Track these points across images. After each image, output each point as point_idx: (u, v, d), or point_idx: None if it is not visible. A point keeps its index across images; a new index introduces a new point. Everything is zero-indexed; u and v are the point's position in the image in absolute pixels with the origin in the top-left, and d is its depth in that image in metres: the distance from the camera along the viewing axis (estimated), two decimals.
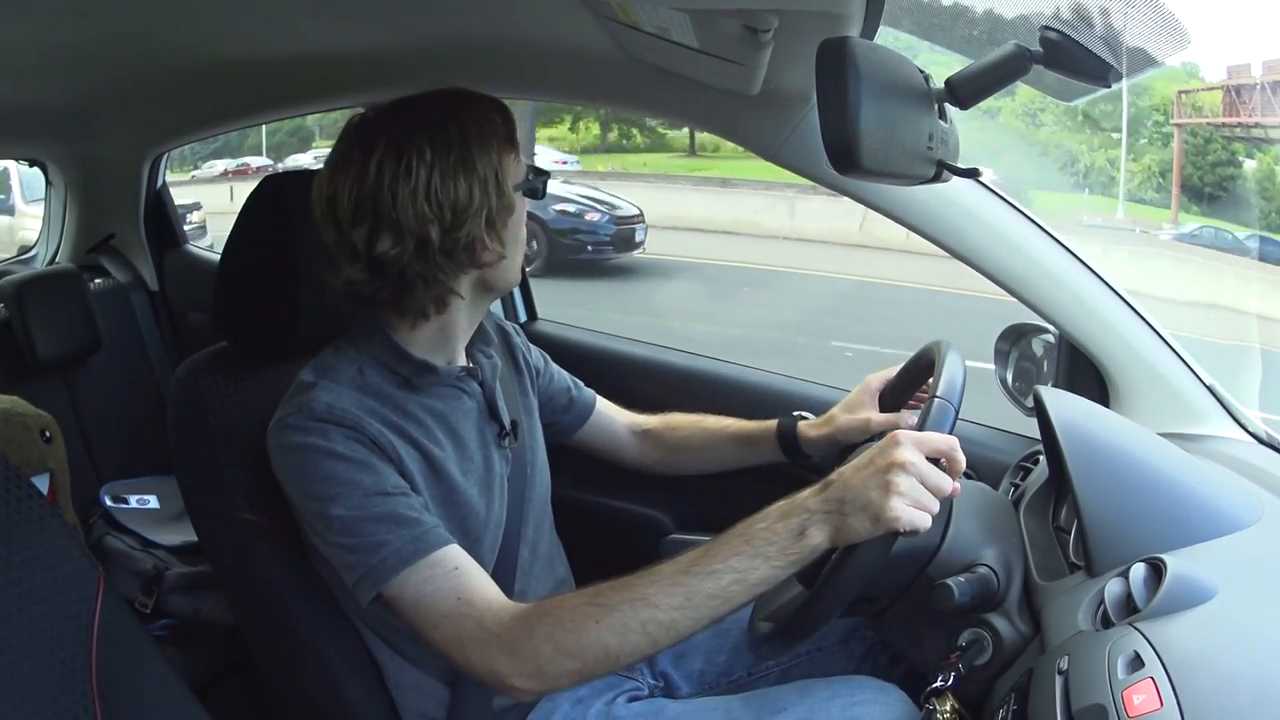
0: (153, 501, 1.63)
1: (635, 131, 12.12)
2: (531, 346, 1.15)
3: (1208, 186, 9.27)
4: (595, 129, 12.10)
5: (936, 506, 0.73)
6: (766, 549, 0.74)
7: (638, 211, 7.31)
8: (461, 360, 0.97)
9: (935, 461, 0.75)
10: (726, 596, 0.74)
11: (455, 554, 0.83)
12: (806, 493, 0.76)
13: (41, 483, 1.41)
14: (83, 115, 1.68)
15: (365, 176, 0.86)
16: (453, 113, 0.88)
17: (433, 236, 0.85)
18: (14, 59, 1.21)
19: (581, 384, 1.20)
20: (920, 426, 0.80)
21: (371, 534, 0.81)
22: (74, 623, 0.72)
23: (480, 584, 0.82)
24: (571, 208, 7.06)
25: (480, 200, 0.87)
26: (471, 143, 0.87)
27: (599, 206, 7.17)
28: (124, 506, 1.61)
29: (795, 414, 1.13)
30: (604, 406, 1.21)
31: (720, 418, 1.19)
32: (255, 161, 9.66)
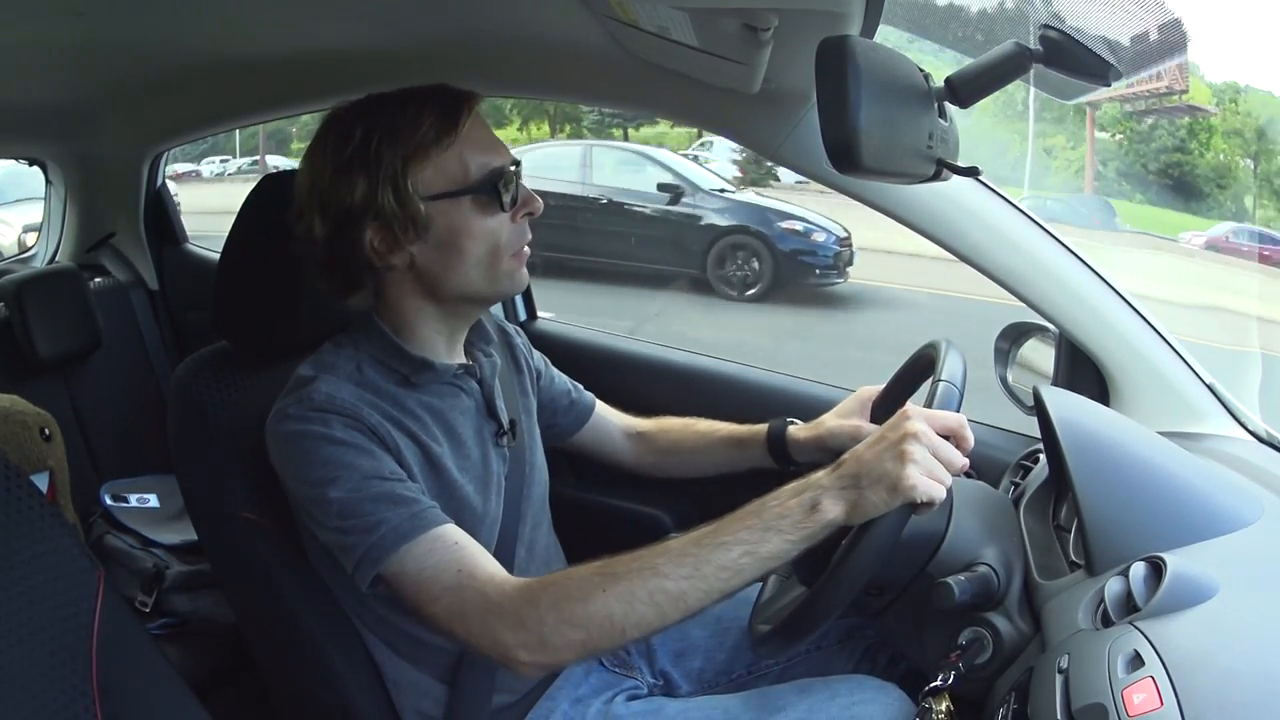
0: (153, 500, 1.63)
1: (585, 131, 12.13)
2: (533, 350, 1.15)
3: (1152, 174, 9.19)
4: (545, 129, 12.05)
5: (949, 479, 0.74)
6: (779, 523, 0.74)
7: (847, 232, 6.26)
8: (460, 358, 0.97)
9: (945, 439, 0.75)
10: (737, 569, 0.74)
11: (455, 530, 0.83)
12: (820, 473, 0.76)
13: (41, 481, 1.42)
14: (83, 114, 1.68)
15: (301, 164, 0.90)
16: (374, 112, 0.87)
17: (317, 230, 0.88)
18: (14, 59, 1.21)
19: (581, 387, 1.20)
20: (927, 405, 0.81)
21: (370, 513, 0.81)
22: (74, 622, 0.72)
23: (482, 558, 0.82)
24: (799, 226, 6.10)
25: (368, 200, 0.85)
26: (373, 143, 0.85)
27: (824, 225, 6.15)
28: (124, 505, 1.61)
29: (786, 420, 1.13)
30: (602, 410, 1.21)
31: (712, 421, 1.19)
32: (180, 168, 9.56)
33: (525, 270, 0.93)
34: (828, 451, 1.07)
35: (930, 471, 0.73)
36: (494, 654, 0.79)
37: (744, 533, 0.74)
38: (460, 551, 0.81)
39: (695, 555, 0.74)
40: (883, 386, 1.07)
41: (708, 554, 0.74)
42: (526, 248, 0.93)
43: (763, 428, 1.13)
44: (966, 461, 0.76)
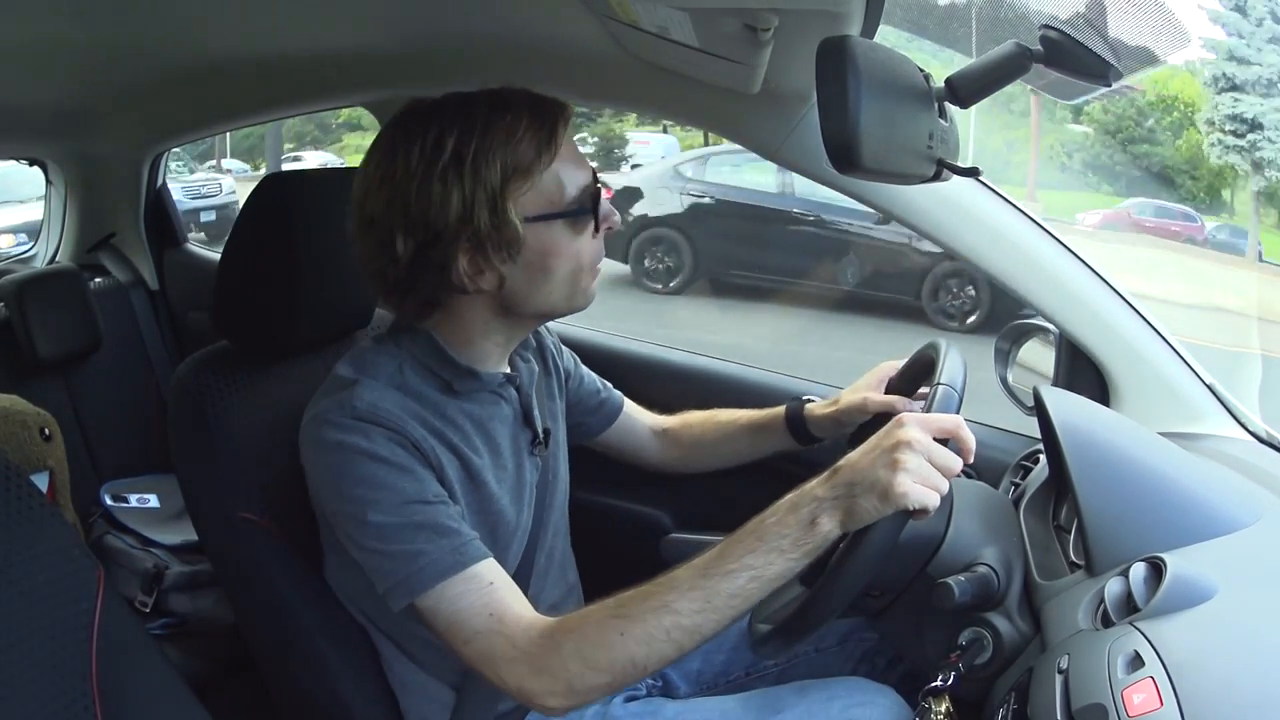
0: (153, 500, 1.63)
1: None
2: (563, 348, 1.13)
3: (1119, 165, 9.07)
4: None
5: (945, 485, 0.72)
6: (780, 543, 0.73)
7: None
8: (504, 367, 0.94)
9: (944, 443, 0.74)
10: (746, 594, 0.74)
11: (491, 568, 0.81)
12: (814, 482, 0.75)
13: (41, 481, 1.42)
14: (83, 114, 1.68)
15: (367, 168, 0.84)
16: (463, 117, 0.81)
17: (400, 248, 0.81)
18: (14, 59, 1.21)
19: (610, 386, 1.19)
20: (927, 410, 0.80)
21: (410, 542, 0.79)
22: (74, 621, 0.72)
23: (512, 600, 0.80)
24: None
25: (462, 220, 0.80)
26: (468, 156, 0.79)
27: None
28: (124, 505, 1.61)
29: (803, 397, 1.14)
30: (630, 408, 1.20)
31: (732, 410, 1.20)
32: None
33: (595, 285, 0.91)
34: (843, 426, 1.08)
35: (924, 479, 0.71)
36: (521, 699, 0.78)
37: (748, 558, 0.74)
38: (493, 594, 0.80)
39: (705, 587, 0.74)
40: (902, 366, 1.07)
41: (716, 584, 0.74)
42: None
43: (780, 411, 1.14)
44: (960, 464, 0.74)
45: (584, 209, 0.85)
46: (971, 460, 0.76)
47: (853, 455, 0.76)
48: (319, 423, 0.83)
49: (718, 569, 0.74)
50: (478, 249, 0.82)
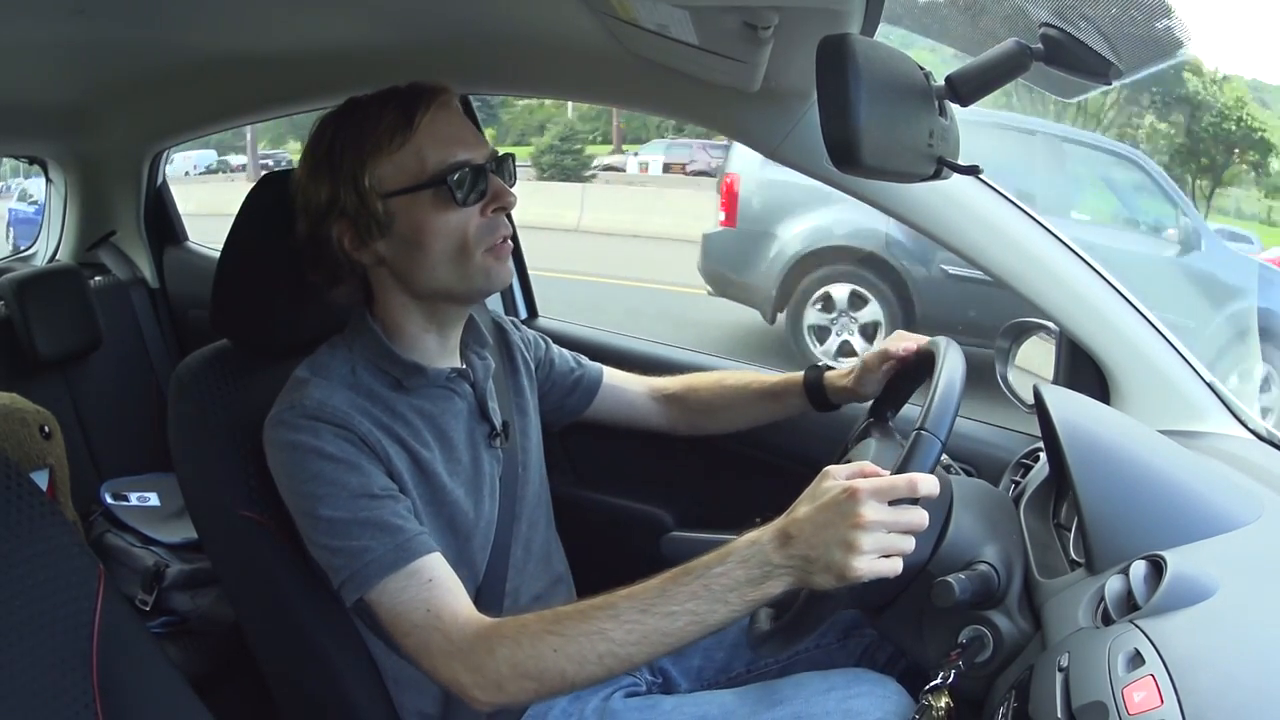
0: (153, 499, 1.63)
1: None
2: (533, 337, 1.15)
3: None
4: None
5: (910, 546, 0.73)
6: (726, 594, 0.75)
7: None
8: (454, 361, 0.97)
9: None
10: (683, 635, 0.76)
11: (432, 565, 0.84)
12: (767, 537, 0.75)
13: (41, 479, 1.42)
14: (83, 113, 1.68)
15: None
16: (346, 114, 0.89)
17: (300, 229, 0.91)
18: (14, 57, 1.21)
19: (585, 359, 1.19)
20: (905, 460, 0.78)
21: (356, 538, 0.83)
22: (75, 620, 0.72)
23: (450, 598, 0.83)
24: None
25: (333, 203, 0.88)
26: (338, 144, 0.88)
27: None
28: (124, 504, 1.61)
29: (821, 364, 1.14)
30: (614, 377, 1.20)
31: (741, 374, 1.19)
32: None
33: (507, 266, 0.92)
34: (860, 397, 1.08)
35: (884, 549, 0.72)
36: (453, 690, 0.81)
37: (691, 603, 0.75)
38: (432, 590, 0.83)
39: (643, 624, 0.76)
40: (910, 344, 1.04)
41: (656, 623, 0.75)
42: (508, 241, 0.92)
43: (798, 376, 1.14)
44: (926, 519, 0.74)
45: (438, 181, 0.86)
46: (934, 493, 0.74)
47: (806, 525, 0.73)
48: (274, 424, 0.87)
49: (659, 608, 0.76)
50: (352, 224, 0.89)
